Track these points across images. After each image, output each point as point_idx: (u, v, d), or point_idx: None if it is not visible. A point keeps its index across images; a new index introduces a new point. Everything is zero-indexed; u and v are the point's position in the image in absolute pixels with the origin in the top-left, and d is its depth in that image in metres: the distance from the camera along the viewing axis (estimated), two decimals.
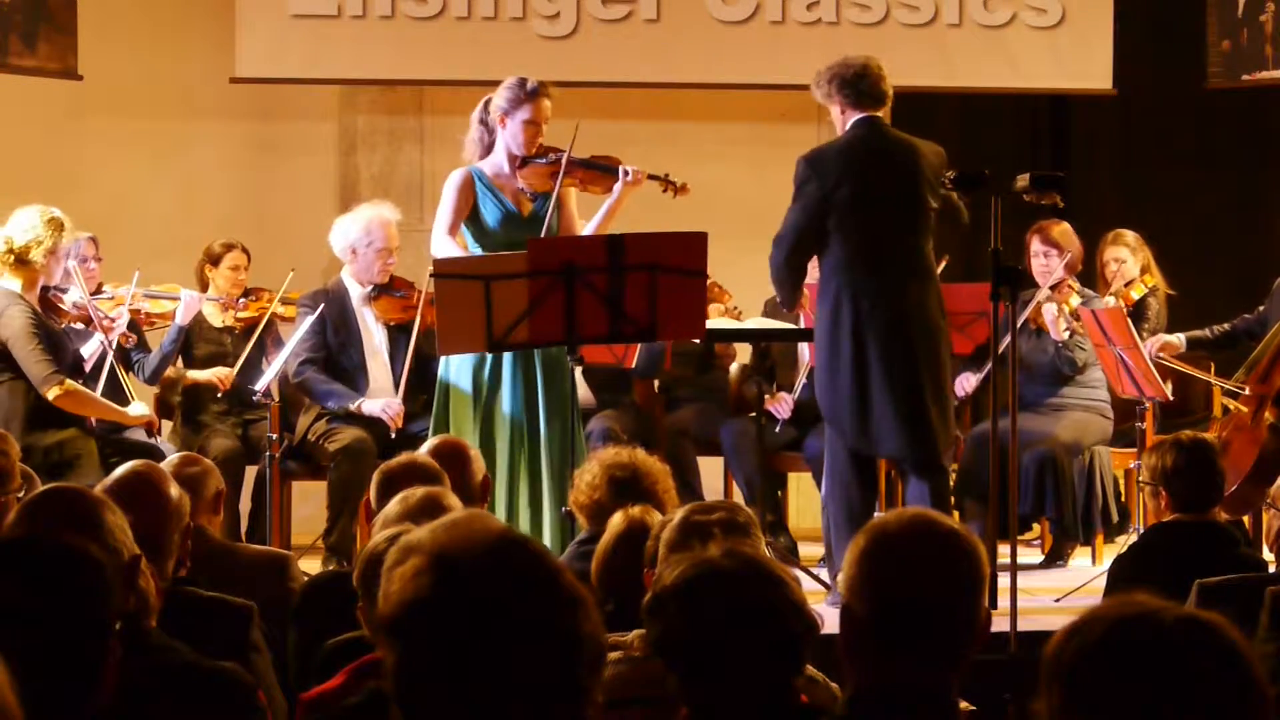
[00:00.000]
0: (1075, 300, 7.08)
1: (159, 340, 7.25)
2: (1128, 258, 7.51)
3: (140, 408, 6.58)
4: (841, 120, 5.97)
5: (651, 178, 6.27)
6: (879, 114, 5.95)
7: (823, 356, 5.94)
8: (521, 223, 6.21)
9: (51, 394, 6.19)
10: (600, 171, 6.28)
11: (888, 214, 5.86)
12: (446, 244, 6.17)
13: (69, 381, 6.23)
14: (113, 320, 6.73)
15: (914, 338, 5.83)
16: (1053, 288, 7.17)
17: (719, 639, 2.50)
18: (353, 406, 6.88)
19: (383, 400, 6.88)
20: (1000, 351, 5.68)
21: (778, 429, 7.22)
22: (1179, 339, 7.32)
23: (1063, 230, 7.25)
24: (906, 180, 5.87)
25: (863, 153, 5.87)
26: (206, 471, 4.54)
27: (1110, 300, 7.23)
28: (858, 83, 5.90)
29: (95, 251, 7.09)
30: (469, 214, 6.25)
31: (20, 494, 4.23)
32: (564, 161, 6.14)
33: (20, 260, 6.28)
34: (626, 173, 6.21)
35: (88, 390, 6.38)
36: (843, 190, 5.83)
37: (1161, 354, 7.16)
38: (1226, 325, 7.38)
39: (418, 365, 6.94)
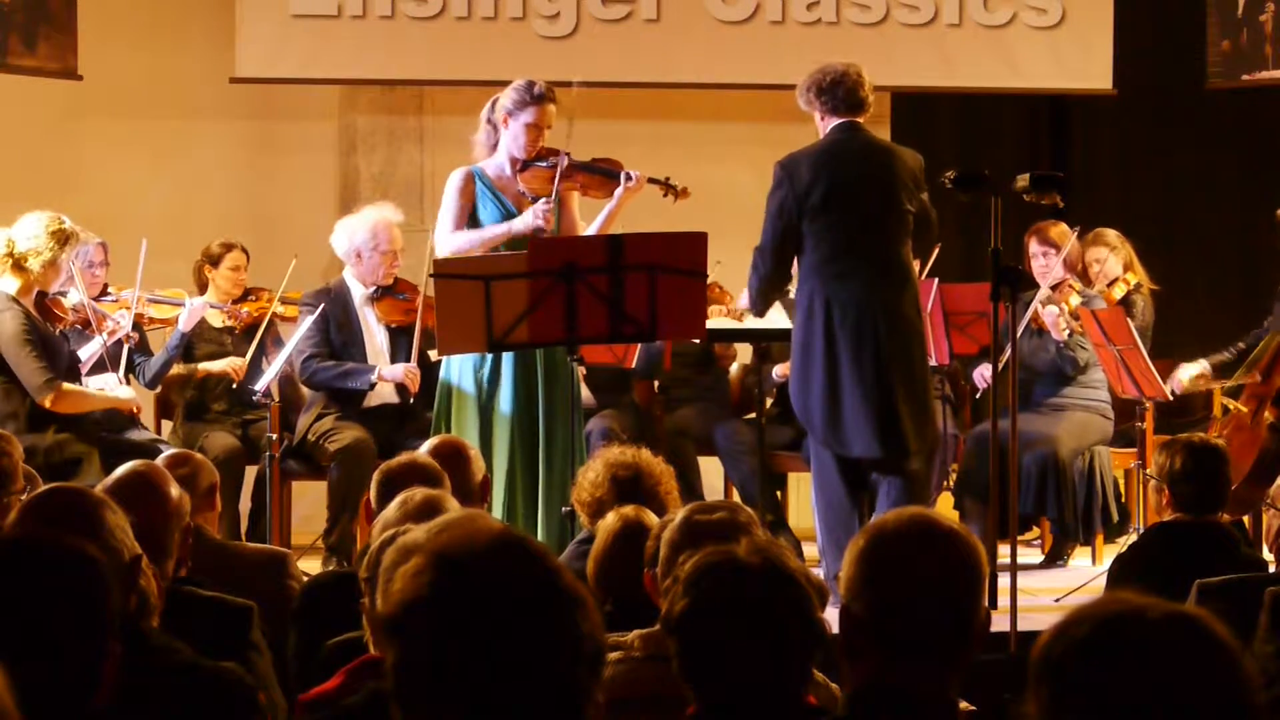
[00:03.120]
0: (1075, 300, 7.08)
1: (159, 342, 7.26)
2: (1108, 257, 7.51)
3: (127, 390, 6.58)
4: (822, 127, 6.03)
5: (652, 181, 6.28)
6: (858, 120, 5.99)
7: (796, 358, 6.00)
8: None
9: (48, 401, 6.19)
10: (601, 175, 6.28)
11: (860, 217, 5.89)
12: (454, 241, 6.16)
13: (64, 385, 6.23)
14: (116, 321, 6.73)
15: (884, 339, 5.85)
16: (1053, 288, 7.17)
17: (721, 624, 2.50)
18: (374, 378, 6.90)
19: (401, 366, 6.92)
20: (1001, 352, 5.68)
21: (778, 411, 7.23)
22: (1205, 367, 7.23)
23: (1060, 230, 7.25)
24: (880, 184, 5.90)
25: (836, 157, 5.91)
26: (199, 467, 4.52)
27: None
28: (834, 89, 5.95)
29: (104, 257, 7.10)
30: (470, 210, 6.26)
31: (23, 495, 4.23)
32: (562, 165, 6.13)
33: (18, 265, 6.28)
34: (629, 177, 6.21)
35: (80, 388, 6.38)
36: (815, 194, 5.88)
37: (1198, 385, 7.06)
38: (1242, 344, 7.31)
39: (420, 368, 6.94)
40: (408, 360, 7.00)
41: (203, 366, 7.22)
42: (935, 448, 6.29)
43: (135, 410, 6.60)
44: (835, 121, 5.98)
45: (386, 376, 6.91)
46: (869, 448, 5.89)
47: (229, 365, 7.16)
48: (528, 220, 6.14)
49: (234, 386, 7.15)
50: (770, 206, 5.98)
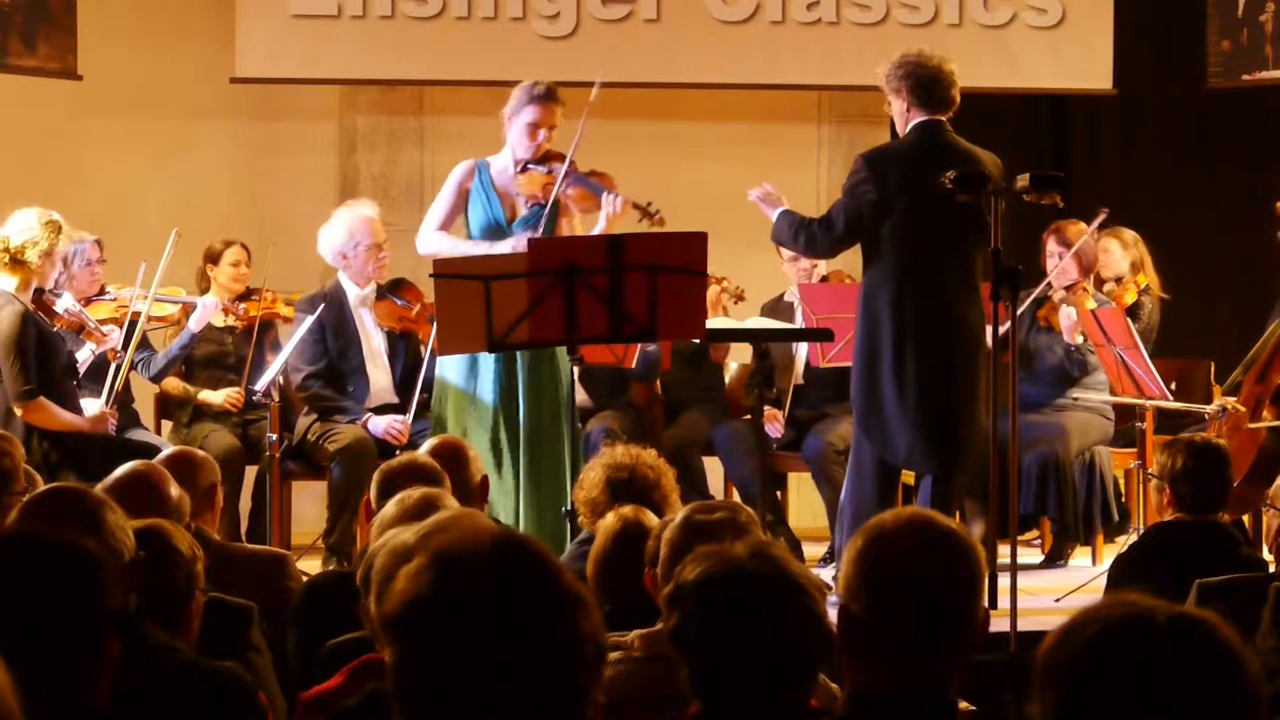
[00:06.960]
0: (1090, 304, 7.04)
1: (159, 340, 7.25)
2: (1118, 254, 7.48)
3: (94, 406, 6.48)
4: (904, 118, 5.92)
5: (634, 206, 6.27)
6: (943, 118, 5.90)
7: (861, 360, 5.93)
8: (505, 232, 6.23)
9: (19, 411, 6.16)
10: (590, 190, 6.27)
11: (944, 226, 5.80)
12: (433, 241, 6.16)
13: (39, 399, 6.18)
14: (105, 334, 6.69)
15: (955, 353, 5.83)
16: (1067, 288, 7.14)
17: (730, 638, 2.49)
18: (357, 425, 6.88)
19: (386, 420, 6.87)
20: (1002, 352, 5.68)
21: (774, 447, 7.23)
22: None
23: (1079, 232, 7.21)
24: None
25: (925, 161, 5.77)
26: (198, 466, 4.52)
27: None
28: (931, 86, 5.85)
29: (100, 254, 7.08)
30: (463, 207, 6.27)
31: (24, 495, 4.23)
32: (561, 174, 6.13)
33: (15, 260, 6.28)
34: (611, 202, 6.17)
35: (51, 405, 6.26)
36: (902, 199, 5.80)
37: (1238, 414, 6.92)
38: None
39: (419, 367, 6.95)
40: (406, 363, 7.00)
41: (202, 396, 7.20)
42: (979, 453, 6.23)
43: (109, 425, 6.48)
44: (921, 117, 5.87)
45: (371, 429, 6.88)
46: (921, 462, 5.90)
47: (227, 400, 7.15)
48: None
49: (230, 416, 7.14)
50: (849, 197, 5.89)
